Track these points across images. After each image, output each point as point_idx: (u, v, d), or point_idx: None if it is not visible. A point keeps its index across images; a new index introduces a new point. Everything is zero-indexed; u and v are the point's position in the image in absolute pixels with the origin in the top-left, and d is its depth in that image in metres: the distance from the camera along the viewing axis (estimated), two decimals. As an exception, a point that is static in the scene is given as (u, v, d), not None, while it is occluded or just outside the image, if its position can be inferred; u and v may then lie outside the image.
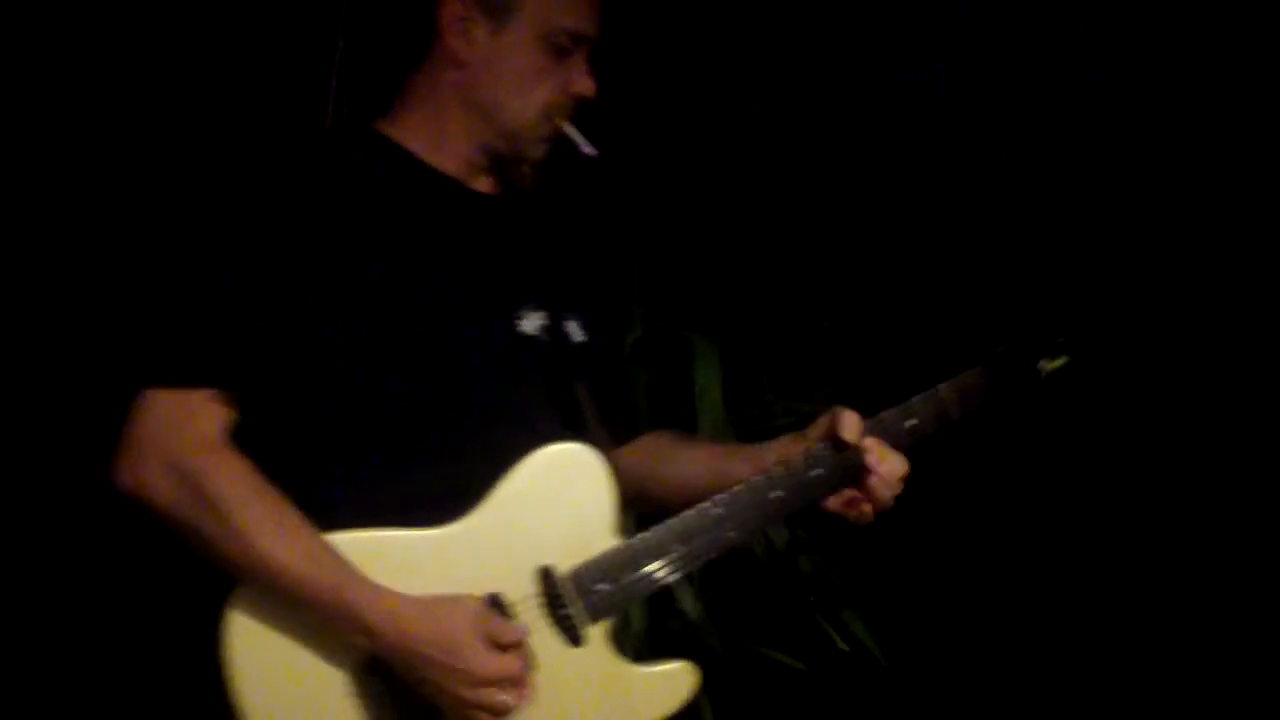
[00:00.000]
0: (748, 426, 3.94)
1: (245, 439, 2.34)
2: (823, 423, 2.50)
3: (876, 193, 4.14)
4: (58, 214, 3.64)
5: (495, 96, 2.45)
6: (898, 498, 2.50)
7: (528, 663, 2.31)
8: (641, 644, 3.50)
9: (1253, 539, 3.70)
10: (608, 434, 2.52)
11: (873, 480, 2.46)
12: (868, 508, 2.49)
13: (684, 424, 3.59)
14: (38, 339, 3.59)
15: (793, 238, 4.15)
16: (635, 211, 4.01)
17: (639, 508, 2.55)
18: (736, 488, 2.46)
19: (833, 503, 2.50)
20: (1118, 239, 3.74)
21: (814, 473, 2.48)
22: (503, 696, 2.29)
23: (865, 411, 2.53)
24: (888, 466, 2.47)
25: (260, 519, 2.28)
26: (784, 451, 2.52)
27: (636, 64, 4.04)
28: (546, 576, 2.38)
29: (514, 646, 2.30)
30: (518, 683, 2.30)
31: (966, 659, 3.97)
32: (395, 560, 2.32)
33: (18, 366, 3.57)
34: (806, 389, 3.99)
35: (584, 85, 2.48)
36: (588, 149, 2.49)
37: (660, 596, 3.53)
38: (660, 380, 3.76)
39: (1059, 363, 2.56)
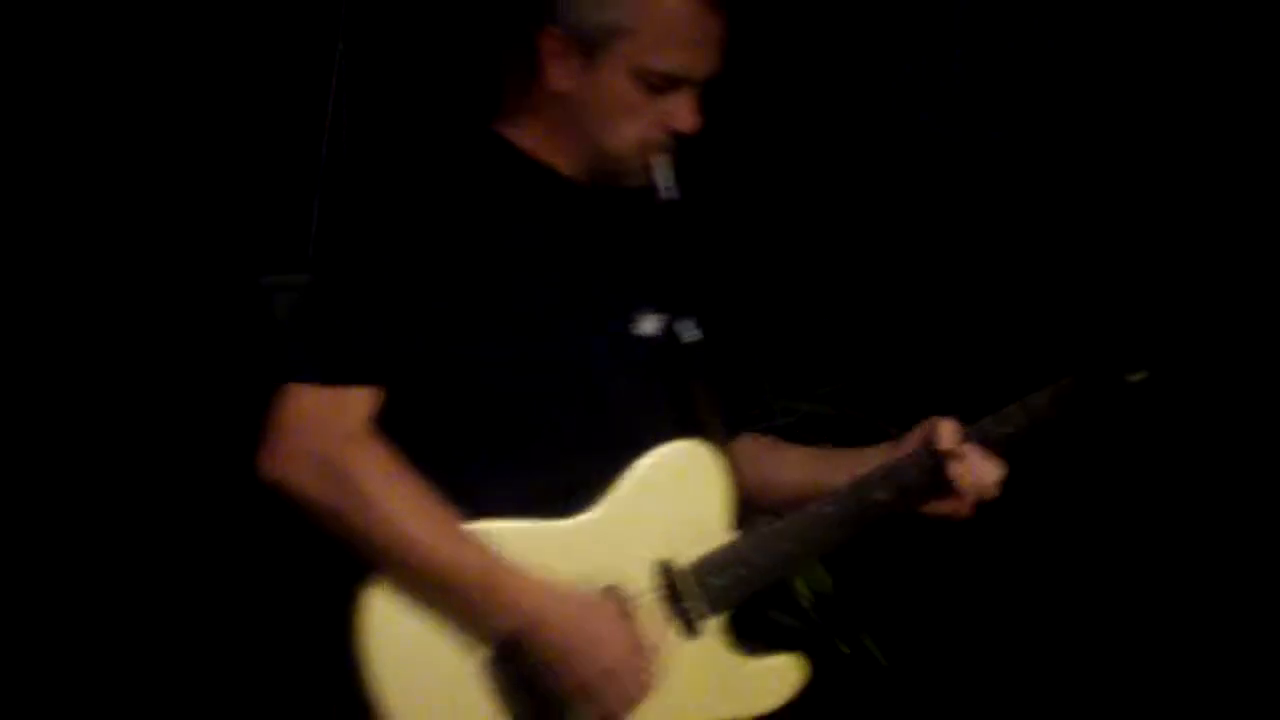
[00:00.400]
0: (747, 427, 4.02)
1: (382, 432, 2.37)
2: (920, 430, 2.59)
3: (876, 191, 4.21)
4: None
5: (589, 128, 2.48)
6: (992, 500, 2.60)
7: (651, 670, 2.38)
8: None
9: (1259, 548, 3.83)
10: (720, 432, 2.58)
11: (964, 486, 2.55)
12: (963, 509, 2.59)
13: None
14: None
15: (793, 237, 4.23)
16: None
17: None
18: (843, 488, 2.55)
19: (930, 506, 2.60)
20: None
21: (912, 476, 2.57)
22: (633, 688, 2.36)
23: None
24: (979, 473, 2.56)
25: (406, 505, 2.32)
26: (879, 458, 2.61)
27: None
28: (665, 570, 2.45)
29: (646, 656, 2.38)
30: (648, 682, 2.37)
31: (967, 660, 4.08)
32: (520, 550, 2.36)
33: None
34: (806, 389, 4.08)
35: (681, 122, 2.48)
36: (666, 192, 2.52)
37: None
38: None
39: (1141, 375, 2.65)
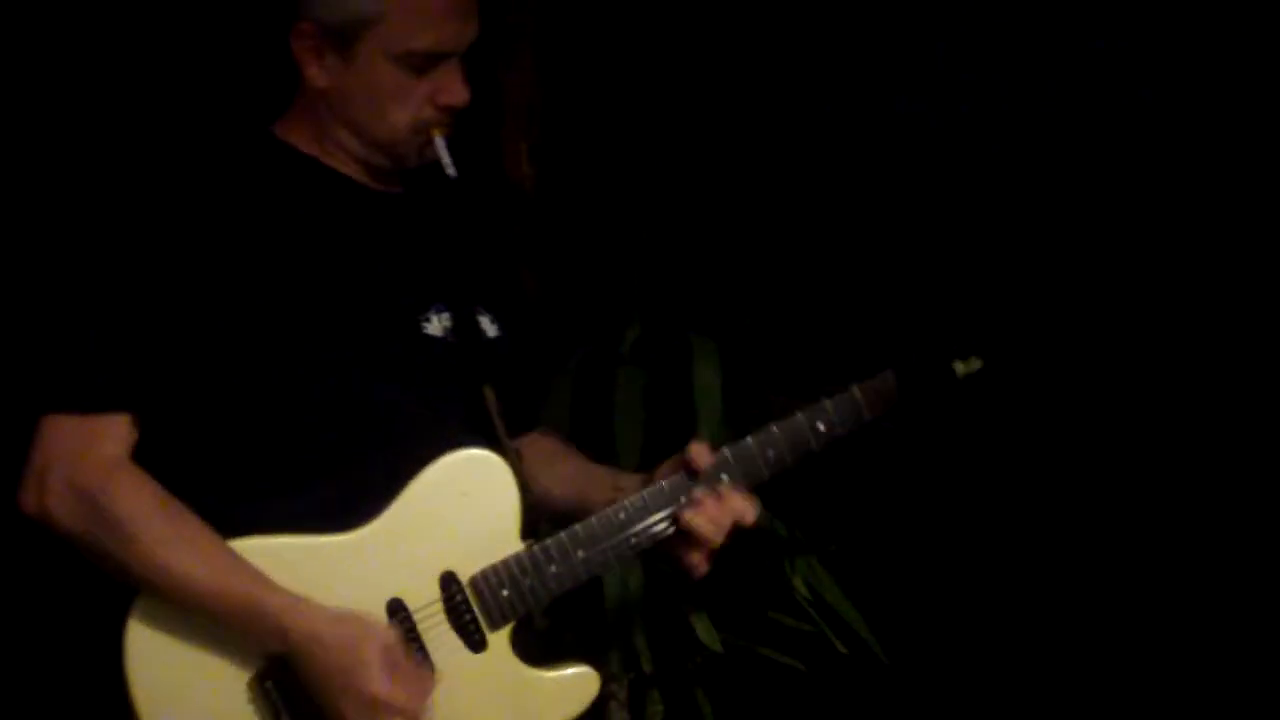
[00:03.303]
0: (748, 425, 3.93)
1: (148, 456, 2.36)
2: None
3: (874, 190, 4.10)
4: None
5: (358, 118, 2.45)
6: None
7: (421, 697, 2.33)
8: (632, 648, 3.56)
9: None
10: (509, 437, 2.51)
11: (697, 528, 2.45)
12: (697, 557, 2.48)
13: (684, 424, 3.60)
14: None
15: (792, 236, 4.13)
16: (633, 210, 4.03)
17: None
18: (647, 492, 2.46)
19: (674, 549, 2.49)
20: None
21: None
22: (399, 712, 2.31)
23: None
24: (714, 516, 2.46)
25: (165, 534, 2.31)
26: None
27: (637, 62, 4.06)
28: (450, 582, 2.40)
29: (413, 679, 2.33)
30: (408, 713, 2.32)
31: (964, 653, 3.96)
32: (299, 565, 2.35)
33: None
34: (807, 388, 3.97)
35: (451, 96, 2.44)
36: (450, 170, 2.47)
37: (657, 598, 3.57)
38: (660, 380, 3.75)
39: (974, 365, 2.52)
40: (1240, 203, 3.65)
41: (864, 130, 4.00)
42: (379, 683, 2.29)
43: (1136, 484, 3.80)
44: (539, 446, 2.65)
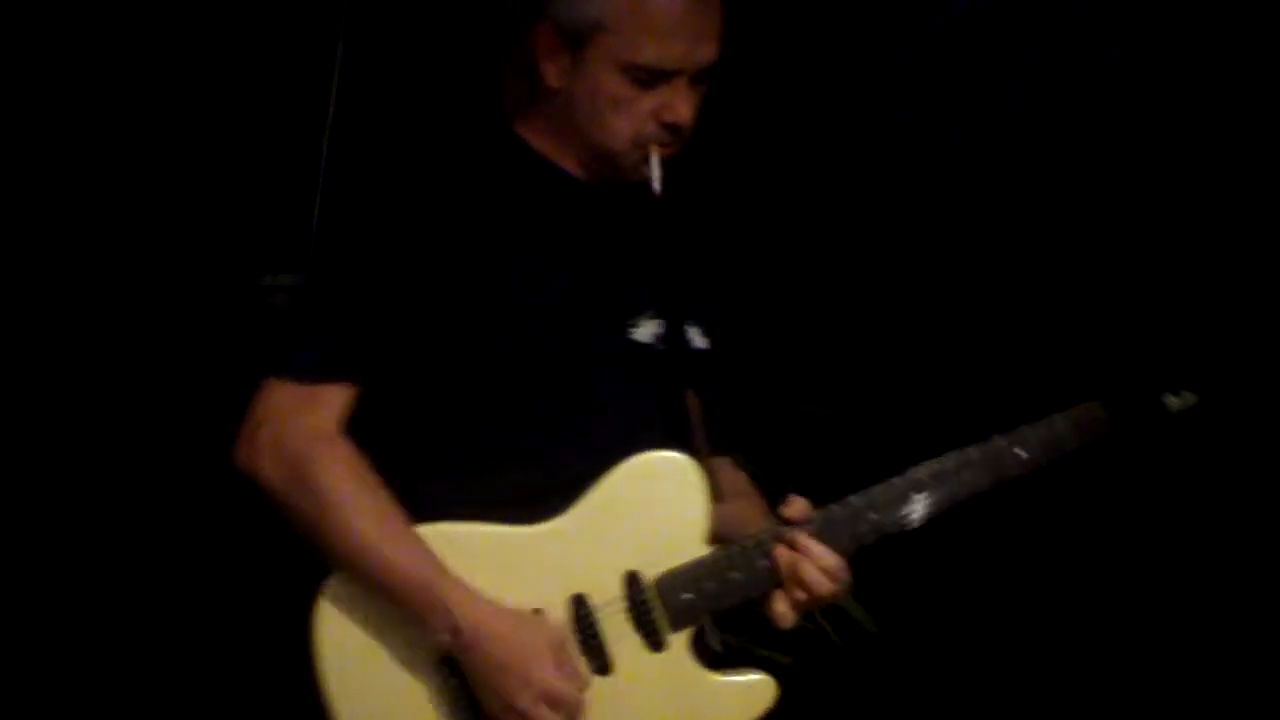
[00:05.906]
0: (749, 426, 3.95)
1: (354, 428, 2.41)
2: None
3: (880, 194, 4.11)
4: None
5: (580, 123, 2.47)
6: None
7: (583, 698, 2.35)
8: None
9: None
10: (706, 444, 2.51)
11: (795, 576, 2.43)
12: (786, 610, 2.45)
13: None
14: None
15: (794, 239, 4.15)
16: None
17: None
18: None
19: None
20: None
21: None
22: (560, 712, 2.33)
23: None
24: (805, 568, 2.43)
25: (360, 508, 2.36)
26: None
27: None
28: (633, 581, 2.41)
29: (580, 675, 2.36)
30: (573, 711, 2.34)
31: (968, 649, 3.97)
32: (484, 553, 2.38)
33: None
34: (808, 389, 4.02)
35: (672, 114, 2.45)
36: (655, 186, 2.48)
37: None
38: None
39: (1187, 400, 2.48)
40: None
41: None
42: (548, 672, 2.32)
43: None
44: (723, 477, 2.61)
